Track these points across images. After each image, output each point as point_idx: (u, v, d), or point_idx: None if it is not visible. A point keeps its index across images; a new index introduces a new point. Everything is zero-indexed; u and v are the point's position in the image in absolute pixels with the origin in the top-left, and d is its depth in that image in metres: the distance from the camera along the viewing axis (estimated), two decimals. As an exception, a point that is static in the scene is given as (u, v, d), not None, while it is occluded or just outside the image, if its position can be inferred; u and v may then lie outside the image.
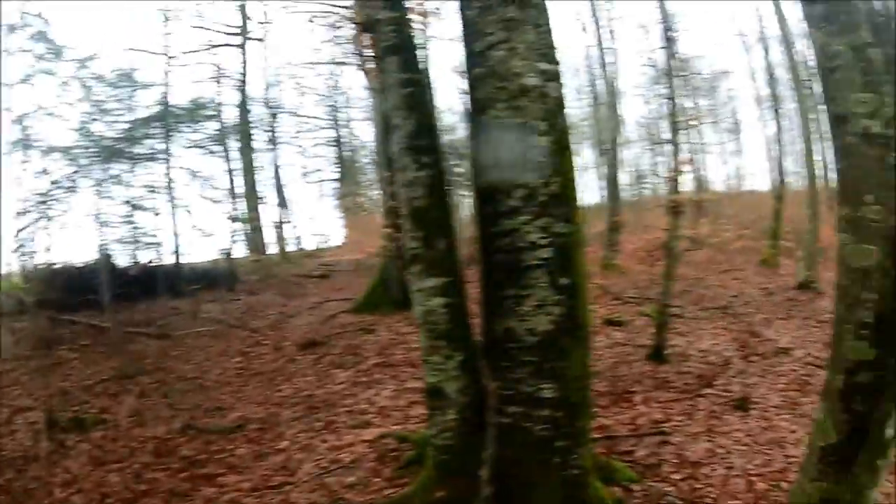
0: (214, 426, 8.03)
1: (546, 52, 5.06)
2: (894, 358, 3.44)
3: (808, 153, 17.79)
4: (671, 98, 10.73)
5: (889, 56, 3.45)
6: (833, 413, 3.72)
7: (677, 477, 5.96)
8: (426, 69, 11.96)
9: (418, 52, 5.85)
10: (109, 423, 8.65)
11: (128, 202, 20.63)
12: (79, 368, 11.69)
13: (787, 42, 18.75)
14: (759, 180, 44.26)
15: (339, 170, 32.06)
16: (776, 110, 22.57)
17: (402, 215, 5.41)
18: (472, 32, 5.19)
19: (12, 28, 19.20)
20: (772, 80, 22.72)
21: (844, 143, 3.57)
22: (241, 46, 26.70)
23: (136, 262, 19.66)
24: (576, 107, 32.71)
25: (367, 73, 14.56)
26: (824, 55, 3.65)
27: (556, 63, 5.18)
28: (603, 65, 22.98)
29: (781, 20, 18.73)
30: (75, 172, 20.29)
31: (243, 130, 26.05)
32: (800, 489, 4.02)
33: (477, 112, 5.17)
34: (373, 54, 5.99)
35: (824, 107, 3.95)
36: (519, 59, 4.94)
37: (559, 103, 5.13)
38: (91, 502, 6.35)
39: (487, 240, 5.08)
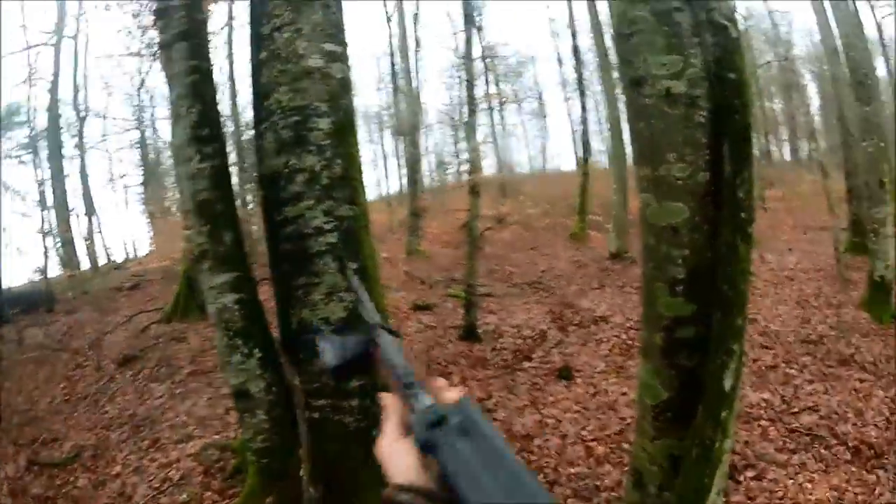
0: (55, 459, 7.53)
1: (333, 32, 4.86)
2: (718, 311, 3.45)
3: (615, 127, 18.39)
4: (469, 81, 10.71)
5: (698, 19, 3.46)
6: (659, 371, 3.76)
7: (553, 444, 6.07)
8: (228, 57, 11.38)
9: (209, 40, 5.50)
10: None
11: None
12: None
13: (595, 26, 19.25)
14: (566, 161, 46.51)
15: (143, 173, 30.13)
16: (582, 92, 23.44)
17: (185, 211, 5.11)
18: (258, 15, 4.90)
19: None
20: (578, 63, 23.53)
21: (641, 105, 3.57)
22: (56, 45, 24.54)
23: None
24: (379, 94, 33.08)
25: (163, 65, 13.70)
26: (623, 22, 3.65)
27: (344, 44, 4.99)
28: (404, 52, 22.90)
29: (591, 5, 19.23)
30: None
31: (53, 137, 24.14)
32: (642, 450, 4.04)
33: (261, 97, 4.89)
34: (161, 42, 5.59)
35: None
36: (304, 41, 4.72)
37: (344, 84, 4.94)
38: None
39: (273, 229, 4.84)
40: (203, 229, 4.87)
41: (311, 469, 4.69)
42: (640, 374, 3.96)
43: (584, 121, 22.51)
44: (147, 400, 8.62)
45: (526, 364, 8.47)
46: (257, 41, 4.91)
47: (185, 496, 5.86)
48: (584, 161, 21.96)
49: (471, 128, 11.25)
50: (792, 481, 5.60)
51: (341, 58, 4.92)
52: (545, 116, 43.82)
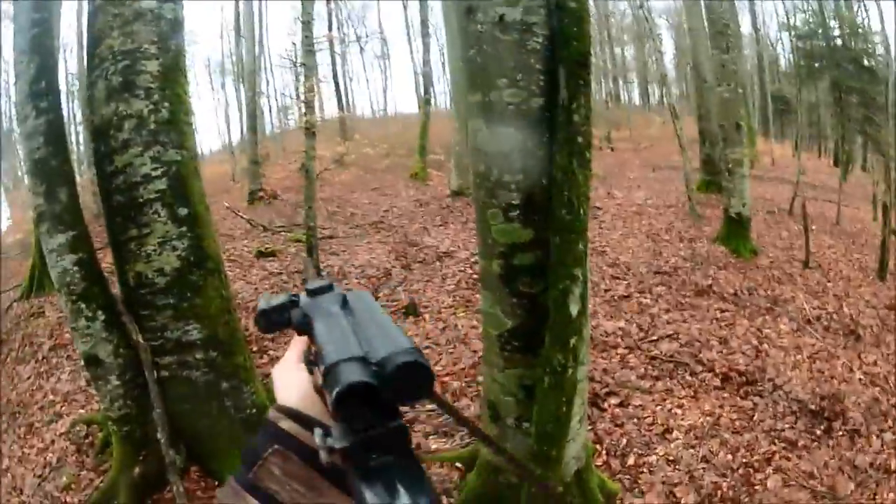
0: None
1: None
2: (556, 236, 3.44)
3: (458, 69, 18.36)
4: (307, 21, 10.55)
5: None
6: (500, 300, 3.76)
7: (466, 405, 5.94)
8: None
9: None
10: None
11: None
12: None
13: None
14: (408, 104, 46.83)
15: None
16: (426, 34, 23.68)
17: (25, 173, 4.86)
18: None
19: None
20: (423, 5, 23.75)
21: (473, 32, 3.53)
22: None
23: None
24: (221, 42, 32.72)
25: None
26: None
27: None
28: None
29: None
30: None
31: None
32: (493, 381, 4.05)
33: (93, 45, 4.70)
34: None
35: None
36: None
37: (175, 25, 4.80)
38: None
39: (105, 183, 4.69)
40: (39, 189, 4.59)
41: (168, 432, 4.57)
42: (482, 304, 3.97)
43: (426, 62, 22.87)
44: (17, 384, 8.20)
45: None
46: None
47: (64, 479, 5.52)
48: (426, 102, 22.27)
49: (309, 68, 11.09)
50: (660, 407, 5.70)
51: None
52: (388, 59, 43.92)
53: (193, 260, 4.65)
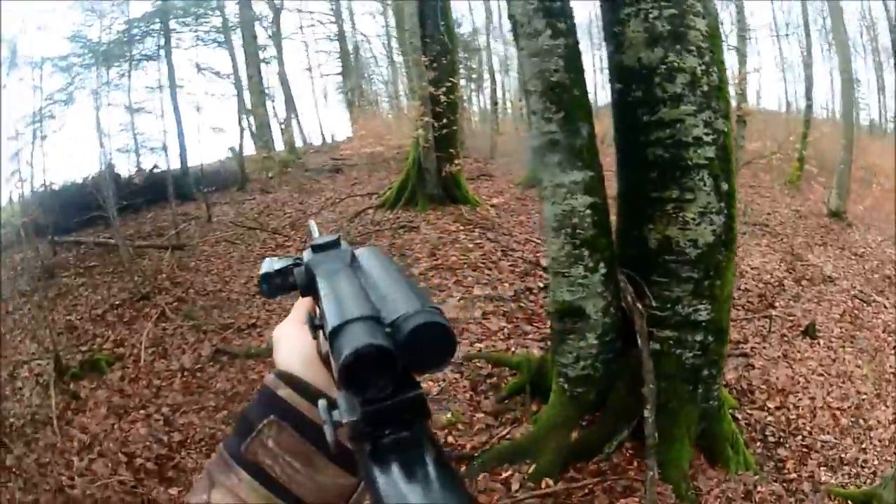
0: (249, 349, 7.36)
1: None
2: None
3: (847, 82, 16.96)
4: None
5: None
6: None
7: (771, 405, 5.74)
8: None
9: None
10: (127, 358, 7.96)
11: (127, 108, 19.16)
12: (86, 296, 10.72)
13: None
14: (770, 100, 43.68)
15: (342, 64, 31.03)
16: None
17: (528, 91, 4.56)
18: None
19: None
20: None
21: None
22: None
23: (140, 170, 18.34)
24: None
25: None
26: None
27: None
28: None
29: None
30: (70, 84, 19.04)
31: (246, 25, 24.84)
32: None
33: None
34: None
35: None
36: None
37: None
38: (118, 468, 5.69)
39: (634, 129, 4.41)
40: (555, 116, 4.35)
41: (656, 410, 4.26)
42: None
43: (808, 65, 20.93)
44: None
45: (772, 312, 7.99)
46: None
47: (448, 416, 5.40)
48: (808, 108, 20.67)
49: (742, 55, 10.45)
50: None
51: None
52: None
53: (724, 239, 4.38)
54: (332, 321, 0.57)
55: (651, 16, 4.21)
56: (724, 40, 4.79)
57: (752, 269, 9.74)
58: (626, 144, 4.52)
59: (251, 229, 12.73)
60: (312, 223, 1.36)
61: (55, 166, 22.52)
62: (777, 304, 8.49)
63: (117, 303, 9.85)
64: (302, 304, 0.87)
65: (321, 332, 0.70)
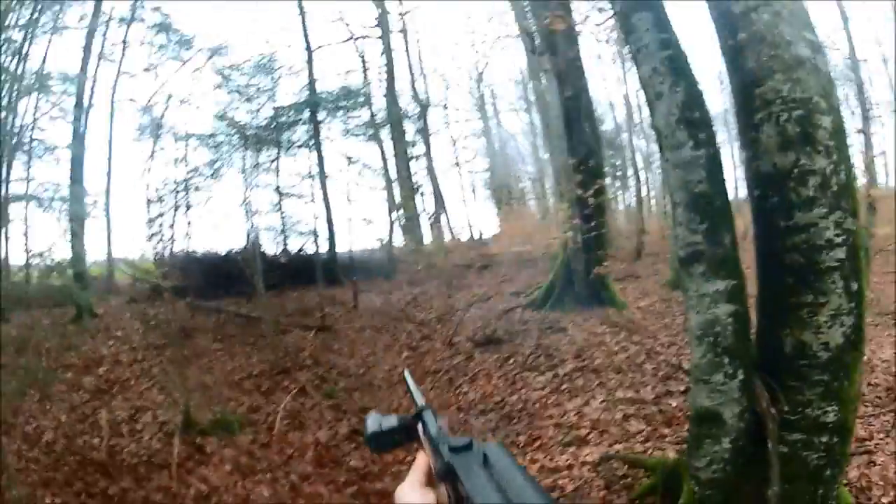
0: None
1: (809, 21, 4.53)
2: None
3: None
4: None
5: None
6: None
7: (885, 501, 5.41)
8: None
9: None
10: (260, 424, 8.35)
11: (276, 189, 20.60)
12: (223, 361, 11.38)
13: None
14: None
15: (489, 161, 31.99)
16: None
17: (674, 203, 4.79)
18: None
19: (129, 20, 20.42)
20: None
21: None
22: (382, 38, 26.55)
23: (286, 250, 19.59)
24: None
25: (537, 52, 13.78)
26: None
27: (816, 35, 4.57)
28: None
29: None
30: (216, 160, 20.64)
31: (394, 120, 25.96)
32: None
33: (748, 83, 4.55)
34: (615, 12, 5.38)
35: None
36: (786, 26, 4.41)
37: (830, 80, 4.61)
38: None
39: (773, 235, 4.49)
40: (699, 227, 4.56)
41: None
42: None
43: None
44: (521, 389, 8.45)
45: None
46: (729, 19, 4.62)
47: None
48: None
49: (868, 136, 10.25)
50: None
51: (821, 49, 4.56)
52: None
53: (853, 339, 4.35)
54: None
55: (782, 118, 4.33)
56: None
57: (882, 362, 9.19)
58: (766, 250, 4.58)
59: (397, 319, 13.12)
60: (407, 372, 1.63)
61: (199, 234, 24.03)
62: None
63: (255, 372, 10.41)
64: (418, 468, 1.02)
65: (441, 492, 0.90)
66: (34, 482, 6.68)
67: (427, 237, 25.16)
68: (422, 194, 27.15)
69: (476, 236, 30.00)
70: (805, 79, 4.35)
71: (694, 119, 4.63)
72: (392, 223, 22.41)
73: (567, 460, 6.43)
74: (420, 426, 1.11)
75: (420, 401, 1.20)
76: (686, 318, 4.98)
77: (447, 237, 28.06)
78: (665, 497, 5.31)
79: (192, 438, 7.73)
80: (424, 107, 28.03)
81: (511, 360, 9.65)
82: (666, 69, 4.72)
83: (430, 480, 0.98)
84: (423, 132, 27.94)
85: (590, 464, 6.27)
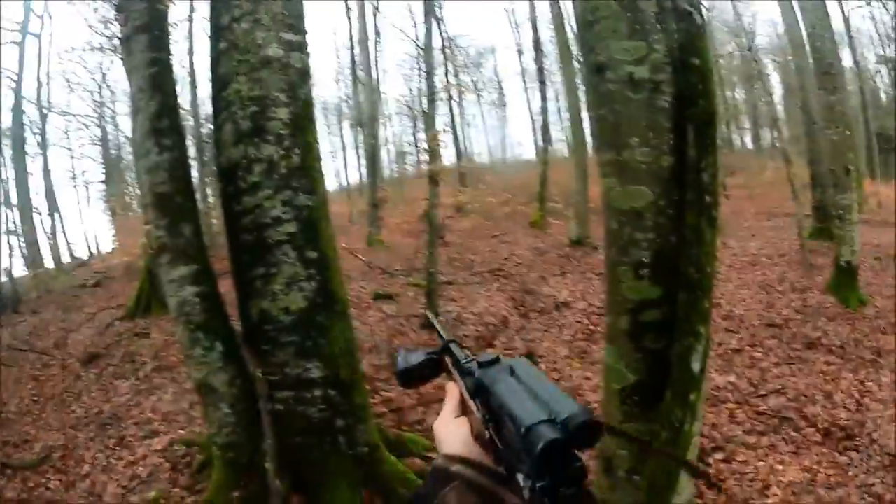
0: (26, 461, 7.45)
1: (292, 22, 5.08)
2: (684, 293, 3.54)
3: (575, 116, 18.51)
4: (429, 71, 10.94)
5: (662, 5, 3.55)
6: (624, 355, 3.84)
7: None
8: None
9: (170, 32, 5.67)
10: None
11: None
12: None
13: (556, 16, 19.31)
14: (526, 150, 47.35)
15: (105, 170, 30.09)
16: (542, 82, 23.40)
17: (144, 205, 5.22)
18: (217, 6, 5.13)
19: None
20: (539, 55, 23.43)
21: (604, 91, 3.66)
22: (21, 43, 24.11)
23: None
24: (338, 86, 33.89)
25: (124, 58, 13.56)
26: (586, 10, 3.74)
27: (303, 34, 5.21)
28: (364, 43, 23.03)
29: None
30: None
31: (16, 136, 23.79)
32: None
33: (219, 88, 5.10)
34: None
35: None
36: (263, 31, 4.93)
37: (303, 74, 5.17)
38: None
39: (232, 221, 5.06)
40: (161, 223, 5.02)
41: (277, 462, 4.79)
42: (606, 358, 4.05)
43: (544, 110, 22.82)
44: (112, 397, 8.66)
45: (488, 350, 8.56)
46: (216, 32, 5.11)
47: (153, 493, 5.89)
48: (544, 149, 22.41)
49: (430, 117, 11.62)
50: (762, 463, 5.76)
51: (300, 47, 5.14)
52: (505, 106, 44.79)
53: (321, 301, 4.91)
54: (522, 423, 0.79)
55: (238, 116, 4.88)
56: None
57: (474, 314, 10.39)
58: (228, 234, 5.13)
59: (23, 351, 12.52)
60: (430, 313, 1.76)
61: None
62: (497, 341, 9.17)
63: None
64: (451, 400, 1.09)
65: (490, 424, 0.93)
66: None
67: (49, 261, 23.92)
68: (40, 215, 25.71)
69: (94, 253, 29.19)
70: (267, 78, 4.86)
71: (162, 128, 5.05)
72: (11, 251, 20.93)
73: (143, 452, 6.72)
74: (448, 358, 1.19)
75: (445, 335, 1.27)
76: (168, 304, 5.41)
77: (68, 257, 27.00)
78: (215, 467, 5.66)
79: None
80: (45, 116, 26.24)
81: (105, 371, 9.76)
82: (148, 85, 5.08)
83: (464, 410, 1.06)
84: (42, 144, 26.25)
85: (159, 451, 6.63)
